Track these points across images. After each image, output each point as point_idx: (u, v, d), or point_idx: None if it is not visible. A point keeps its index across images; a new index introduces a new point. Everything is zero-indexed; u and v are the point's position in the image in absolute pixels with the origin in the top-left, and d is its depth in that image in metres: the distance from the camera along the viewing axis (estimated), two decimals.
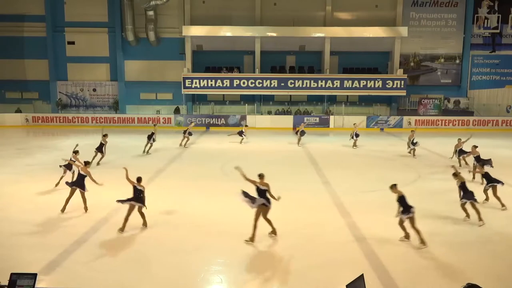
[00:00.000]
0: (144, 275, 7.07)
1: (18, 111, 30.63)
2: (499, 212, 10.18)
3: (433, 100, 30.79)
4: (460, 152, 15.39)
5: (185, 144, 20.30)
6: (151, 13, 29.84)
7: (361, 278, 4.42)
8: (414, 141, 17.81)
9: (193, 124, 22.09)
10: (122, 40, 31.04)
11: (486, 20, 31.19)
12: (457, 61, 31.65)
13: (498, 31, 31.28)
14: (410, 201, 8.25)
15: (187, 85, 29.05)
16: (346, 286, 4.34)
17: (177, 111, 30.93)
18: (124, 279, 6.89)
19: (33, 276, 4.30)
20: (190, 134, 20.33)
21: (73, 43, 31.48)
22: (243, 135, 21.55)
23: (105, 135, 16.09)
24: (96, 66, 31.88)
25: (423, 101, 30.75)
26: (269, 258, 7.79)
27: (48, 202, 11.00)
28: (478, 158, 13.14)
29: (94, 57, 31.59)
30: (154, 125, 20.56)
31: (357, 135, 20.42)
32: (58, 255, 7.69)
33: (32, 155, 18.31)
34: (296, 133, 21.62)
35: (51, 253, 7.72)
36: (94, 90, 32.18)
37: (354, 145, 20.49)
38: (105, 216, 9.86)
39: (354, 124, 22.66)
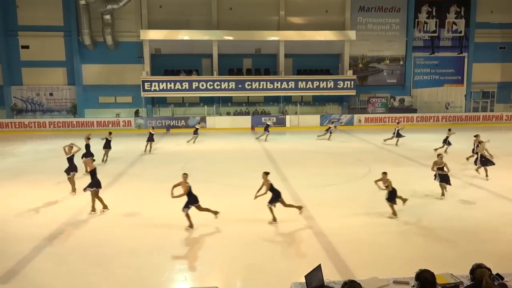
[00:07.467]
0: (107, 277, 6.97)
1: None
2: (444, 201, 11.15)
3: (380, 98, 32.97)
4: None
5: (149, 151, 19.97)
6: (107, 17, 29.86)
7: (318, 268, 4.56)
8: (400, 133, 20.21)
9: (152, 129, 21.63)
10: (78, 44, 30.81)
11: (425, 25, 33.71)
12: (401, 62, 34.00)
13: (436, 34, 33.87)
14: (363, 193, 8.86)
15: (146, 88, 29.44)
16: (305, 276, 4.40)
17: (137, 114, 31.23)
18: (87, 283, 6.79)
19: None
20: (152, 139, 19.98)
21: (27, 47, 30.83)
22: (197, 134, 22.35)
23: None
24: (52, 70, 31.39)
25: (372, 100, 32.88)
26: (231, 254, 7.96)
27: (4, 209, 10.87)
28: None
29: (50, 61, 31.13)
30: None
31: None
32: (17, 263, 7.49)
33: None
34: (265, 130, 22.85)
35: (9, 261, 7.54)
36: (51, 94, 31.74)
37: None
38: (64, 221, 9.82)
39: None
